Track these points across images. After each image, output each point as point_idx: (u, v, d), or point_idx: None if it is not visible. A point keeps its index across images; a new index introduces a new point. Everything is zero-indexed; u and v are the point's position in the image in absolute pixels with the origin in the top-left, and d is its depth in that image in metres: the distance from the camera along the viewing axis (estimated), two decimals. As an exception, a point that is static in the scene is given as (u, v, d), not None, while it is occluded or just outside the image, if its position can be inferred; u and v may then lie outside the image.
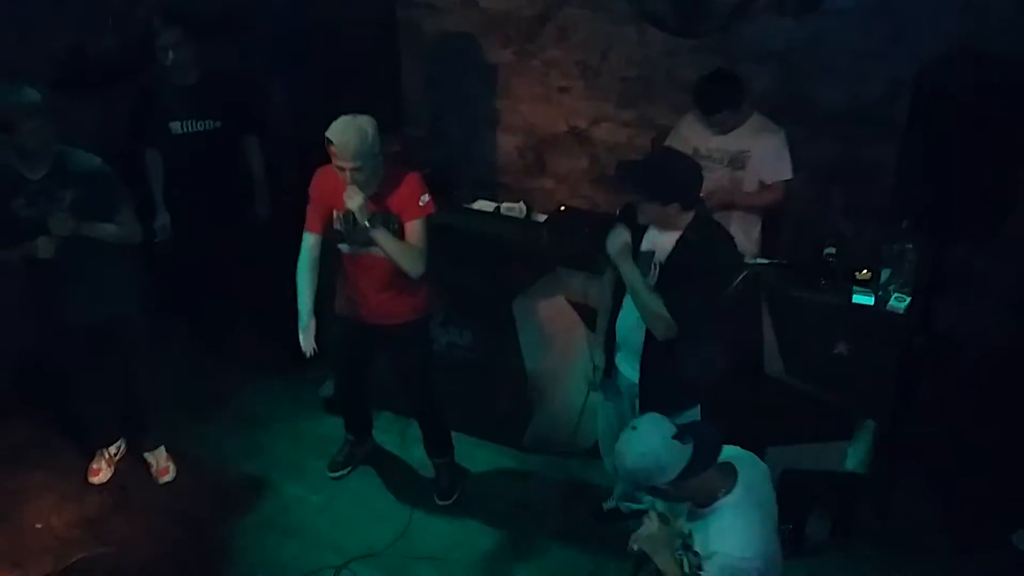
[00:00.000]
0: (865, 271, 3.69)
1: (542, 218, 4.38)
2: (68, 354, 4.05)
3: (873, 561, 3.79)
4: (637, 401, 3.44)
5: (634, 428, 2.51)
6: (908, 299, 3.58)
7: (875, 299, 3.61)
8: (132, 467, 4.36)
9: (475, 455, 4.41)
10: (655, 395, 3.34)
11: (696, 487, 2.51)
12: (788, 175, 4.09)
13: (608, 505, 4.06)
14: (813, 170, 4.53)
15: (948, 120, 3.36)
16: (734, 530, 2.46)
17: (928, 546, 3.85)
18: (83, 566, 3.57)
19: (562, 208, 4.52)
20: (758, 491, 2.57)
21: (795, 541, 3.91)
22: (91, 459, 4.33)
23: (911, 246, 3.61)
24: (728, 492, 2.51)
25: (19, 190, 3.58)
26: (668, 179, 3.17)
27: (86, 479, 4.28)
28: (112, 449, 4.37)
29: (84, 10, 4.84)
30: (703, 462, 2.47)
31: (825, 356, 3.70)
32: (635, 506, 3.94)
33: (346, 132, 3.34)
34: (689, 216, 3.21)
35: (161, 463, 4.32)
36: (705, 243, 3.20)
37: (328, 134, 3.36)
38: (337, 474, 4.31)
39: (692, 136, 4.18)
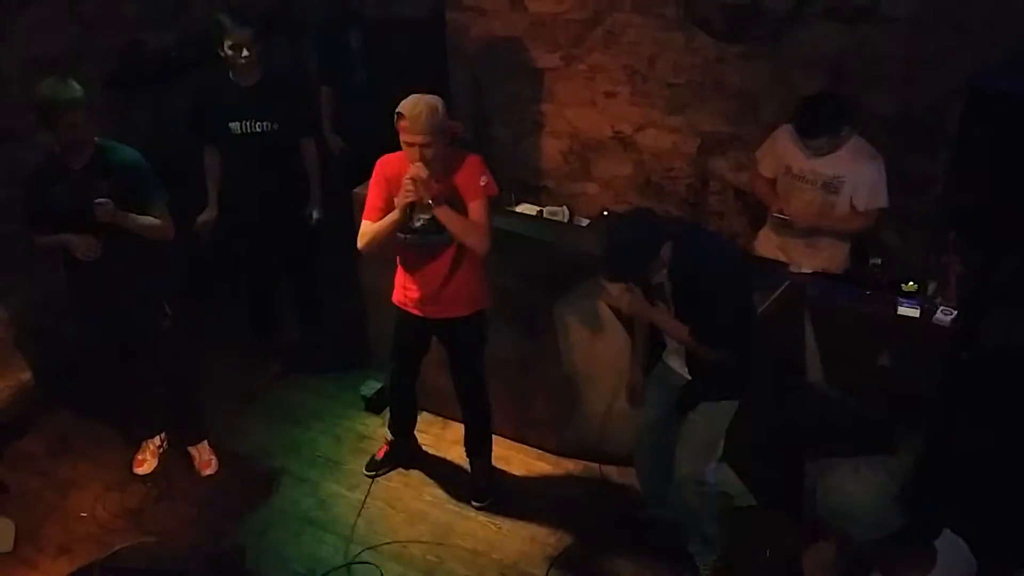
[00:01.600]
0: (911, 282, 3.63)
1: (585, 222, 4.38)
2: (107, 355, 4.16)
3: None
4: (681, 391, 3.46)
5: (856, 470, 2.28)
6: (954, 312, 3.52)
7: (920, 311, 3.56)
8: (176, 459, 4.45)
9: (511, 458, 4.42)
10: (698, 389, 3.38)
11: (890, 556, 2.31)
12: (884, 203, 3.98)
13: (643, 516, 4.01)
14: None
15: (999, 130, 3.29)
16: None
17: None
18: (126, 554, 3.63)
19: (605, 213, 4.52)
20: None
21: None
22: (136, 450, 4.42)
23: (959, 257, 3.54)
24: (919, 573, 2.29)
25: (60, 178, 3.68)
26: (635, 250, 3.06)
27: (131, 470, 4.37)
28: (157, 440, 4.46)
29: (145, 6, 4.95)
30: (911, 539, 2.26)
31: (868, 368, 3.64)
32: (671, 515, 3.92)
33: (418, 106, 3.34)
34: (668, 249, 3.08)
35: (204, 456, 4.40)
36: (699, 261, 3.11)
37: (400, 108, 3.36)
38: (375, 473, 4.34)
39: (786, 153, 4.10)
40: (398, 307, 3.88)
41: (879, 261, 3.75)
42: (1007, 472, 3.75)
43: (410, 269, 3.73)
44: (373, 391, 4.69)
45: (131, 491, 4.27)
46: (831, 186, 3.99)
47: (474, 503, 4.17)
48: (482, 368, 4.00)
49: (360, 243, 3.62)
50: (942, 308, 3.54)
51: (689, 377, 3.43)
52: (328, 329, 5.09)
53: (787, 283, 3.75)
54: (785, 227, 4.15)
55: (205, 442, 4.43)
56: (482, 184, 3.53)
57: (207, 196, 4.58)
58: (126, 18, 4.87)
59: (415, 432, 4.47)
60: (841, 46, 4.50)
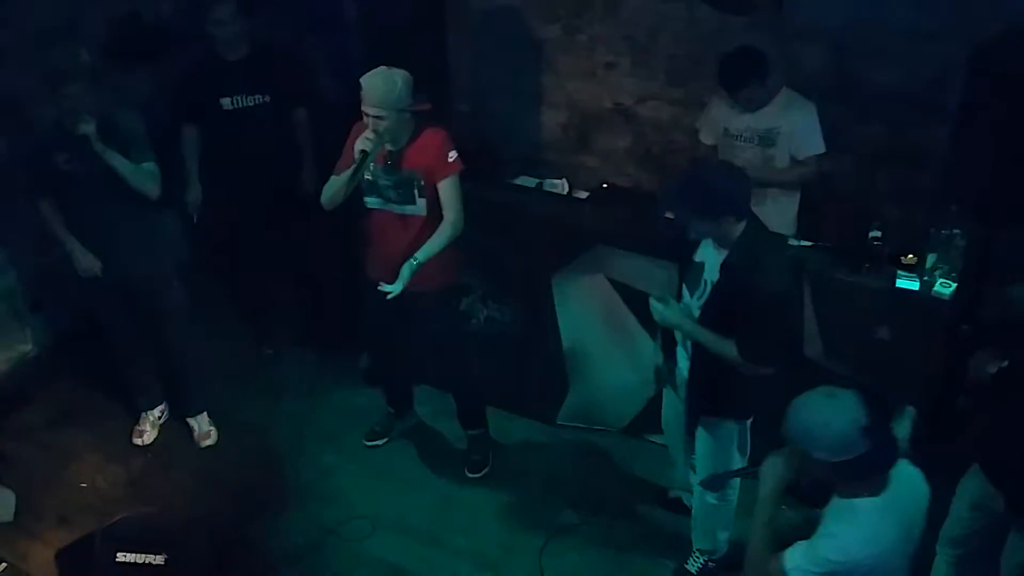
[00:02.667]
0: (911, 255, 3.62)
1: (584, 195, 4.37)
2: (106, 312, 4.15)
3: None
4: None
5: (830, 396, 2.37)
6: (954, 285, 3.51)
7: (920, 284, 3.55)
8: (176, 431, 4.46)
9: (509, 428, 4.42)
10: (696, 403, 3.30)
11: (847, 476, 2.39)
12: (820, 149, 4.02)
13: (671, 494, 4.00)
14: (861, 152, 4.46)
15: (1000, 103, 3.29)
16: (861, 527, 2.35)
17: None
18: (126, 524, 3.63)
19: (604, 185, 4.50)
20: (904, 506, 2.43)
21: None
22: (136, 421, 4.43)
23: (959, 231, 3.53)
24: (870, 496, 2.38)
25: (63, 146, 3.70)
26: (719, 193, 2.97)
27: (130, 441, 4.39)
28: (156, 412, 4.47)
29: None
30: (868, 466, 2.35)
31: (866, 341, 3.64)
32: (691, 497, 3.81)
33: (374, 78, 3.40)
34: (740, 227, 3.00)
35: (203, 428, 4.42)
36: (756, 265, 2.96)
37: (361, 79, 3.43)
38: (373, 443, 4.36)
39: (720, 116, 4.16)
40: (369, 281, 3.76)
41: (879, 234, 3.73)
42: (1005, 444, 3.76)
43: (379, 238, 3.73)
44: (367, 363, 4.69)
45: (131, 462, 4.29)
46: (767, 139, 4.05)
47: (469, 474, 4.18)
48: (460, 341, 4.00)
49: (323, 197, 3.65)
50: (941, 281, 3.53)
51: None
52: (325, 302, 5.08)
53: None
54: None
55: (204, 413, 4.45)
56: (450, 161, 3.55)
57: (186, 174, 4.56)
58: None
59: (414, 405, 4.48)
60: (843, 18, 4.45)
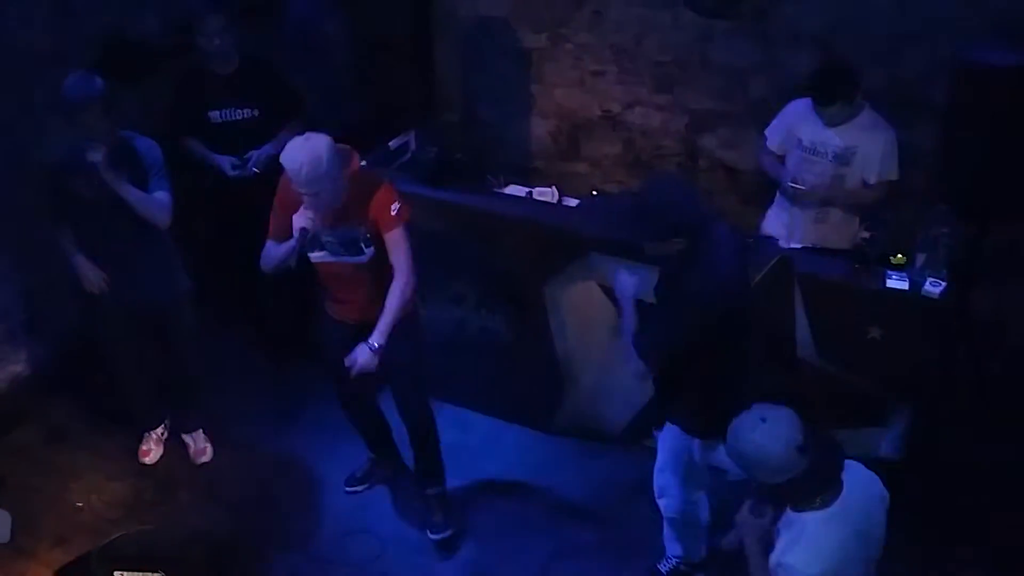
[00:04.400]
0: (900, 255, 3.64)
1: (574, 203, 4.38)
2: (112, 338, 4.14)
3: (906, 549, 3.75)
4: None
5: (763, 420, 2.38)
6: (943, 284, 3.53)
7: (909, 283, 3.57)
8: (173, 448, 4.45)
9: (502, 437, 4.43)
10: (660, 410, 3.36)
11: (793, 494, 2.42)
12: (895, 176, 3.98)
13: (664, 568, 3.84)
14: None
15: (987, 101, 3.30)
16: (808, 544, 2.37)
17: (964, 534, 3.80)
18: (123, 543, 3.63)
19: (595, 193, 4.51)
20: (857, 513, 2.45)
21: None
22: (140, 441, 4.41)
23: (947, 230, 3.55)
24: (823, 506, 2.41)
25: (81, 172, 3.66)
26: (665, 214, 2.92)
27: (127, 459, 4.37)
28: (159, 430, 4.46)
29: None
30: (813, 481, 2.38)
31: (858, 341, 3.66)
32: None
33: (297, 158, 3.18)
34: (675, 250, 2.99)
35: (199, 444, 4.41)
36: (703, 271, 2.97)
37: (281, 159, 3.24)
38: (352, 489, 4.20)
39: (798, 126, 4.08)
40: (328, 318, 3.72)
41: (867, 235, 3.74)
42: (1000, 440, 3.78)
43: (334, 286, 3.63)
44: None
45: (128, 481, 4.28)
46: (842, 158, 3.98)
47: (432, 536, 3.90)
48: (419, 374, 3.77)
49: (263, 264, 3.54)
50: (931, 280, 3.55)
51: None
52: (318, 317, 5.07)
53: (777, 257, 3.75)
54: (796, 200, 4.13)
55: (201, 431, 4.44)
56: (393, 213, 3.40)
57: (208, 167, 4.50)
58: (108, 5, 4.81)
59: (398, 454, 4.24)
60: (827, 21, 4.48)
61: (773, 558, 2.45)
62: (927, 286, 3.54)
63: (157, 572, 3.52)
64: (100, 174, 3.60)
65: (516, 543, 3.94)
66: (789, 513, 2.47)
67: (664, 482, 3.47)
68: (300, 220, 3.31)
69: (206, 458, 4.38)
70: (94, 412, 4.62)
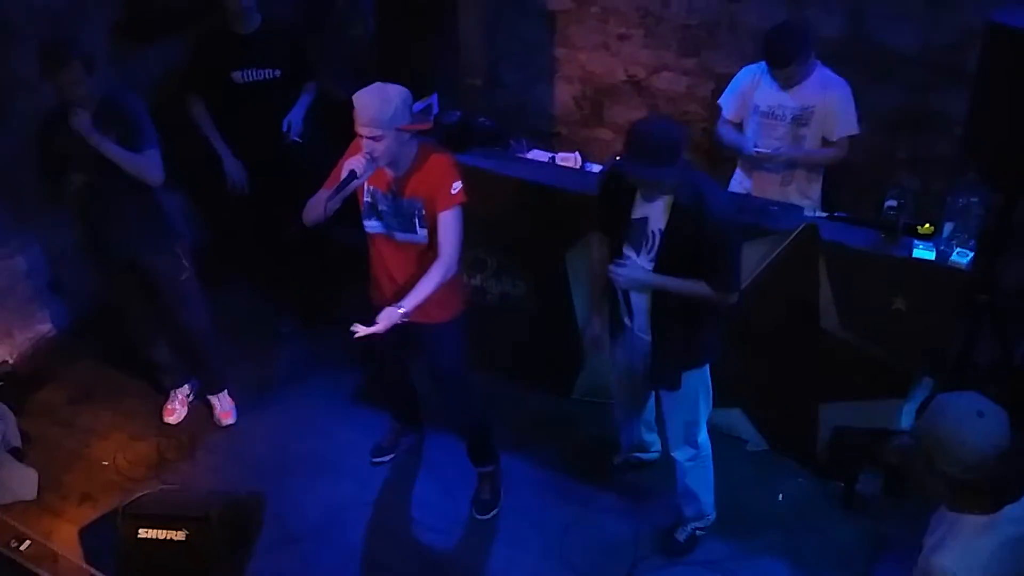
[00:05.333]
0: (927, 224, 3.57)
1: (597, 169, 4.33)
2: (120, 296, 4.17)
3: (926, 520, 3.73)
4: (648, 360, 3.41)
5: (980, 414, 2.16)
6: (971, 254, 3.47)
7: (936, 253, 3.51)
8: (197, 409, 4.51)
9: (526, 399, 4.44)
10: (667, 358, 3.33)
11: (958, 495, 2.25)
12: (855, 131, 3.97)
13: (618, 460, 4.08)
14: (879, 119, 4.40)
15: (1019, 69, 3.22)
16: (957, 545, 2.22)
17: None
18: (147, 501, 3.68)
19: (618, 158, 4.45)
20: (1013, 541, 2.23)
21: (847, 499, 3.89)
22: (166, 399, 4.47)
23: (977, 199, 3.49)
24: (980, 514, 2.23)
25: (67, 130, 3.65)
26: (653, 144, 2.98)
27: (151, 419, 4.43)
28: (185, 389, 4.51)
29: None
30: (988, 490, 2.21)
31: (883, 311, 3.61)
32: (646, 456, 4.02)
33: (364, 96, 3.11)
34: (677, 175, 3.05)
35: (223, 406, 4.45)
36: (702, 200, 3.04)
37: (353, 96, 3.14)
38: (379, 460, 4.20)
39: (753, 92, 4.07)
40: (374, 305, 3.51)
41: (895, 203, 3.68)
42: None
43: (380, 264, 3.50)
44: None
45: (152, 439, 4.34)
46: (801, 119, 3.98)
47: (477, 515, 3.95)
48: (465, 376, 3.71)
49: (304, 213, 3.31)
50: (958, 250, 3.49)
51: (647, 336, 3.36)
52: (342, 276, 5.08)
53: (803, 225, 3.70)
54: (760, 165, 4.12)
55: (225, 392, 4.48)
56: (453, 193, 3.27)
57: (213, 151, 4.52)
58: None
59: (422, 420, 4.29)
60: (859, -17, 4.39)
61: (923, 553, 2.31)
62: (954, 256, 3.48)
63: (181, 530, 3.57)
64: (85, 137, 3.57)
65: (539, 505, 3.97)
66: (944, 510, 2.32)
67: (703, 438, 3.53)
68: (351, 162, 3.17)
69: (230, 420, 4.43)
70: (118, 372, 4.69)
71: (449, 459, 4.12)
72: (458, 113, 4.50)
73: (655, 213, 3.14)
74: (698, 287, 3.12)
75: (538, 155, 4.42)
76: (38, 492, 4.05)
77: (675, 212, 3.09)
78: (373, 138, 3.12)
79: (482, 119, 4.56)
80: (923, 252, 3.53)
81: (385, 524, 3.94)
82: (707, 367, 3.40)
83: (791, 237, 3.69)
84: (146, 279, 4.06)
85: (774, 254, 3.70)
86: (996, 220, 3.49)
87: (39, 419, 4.44)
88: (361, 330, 3.19)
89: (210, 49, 4.45)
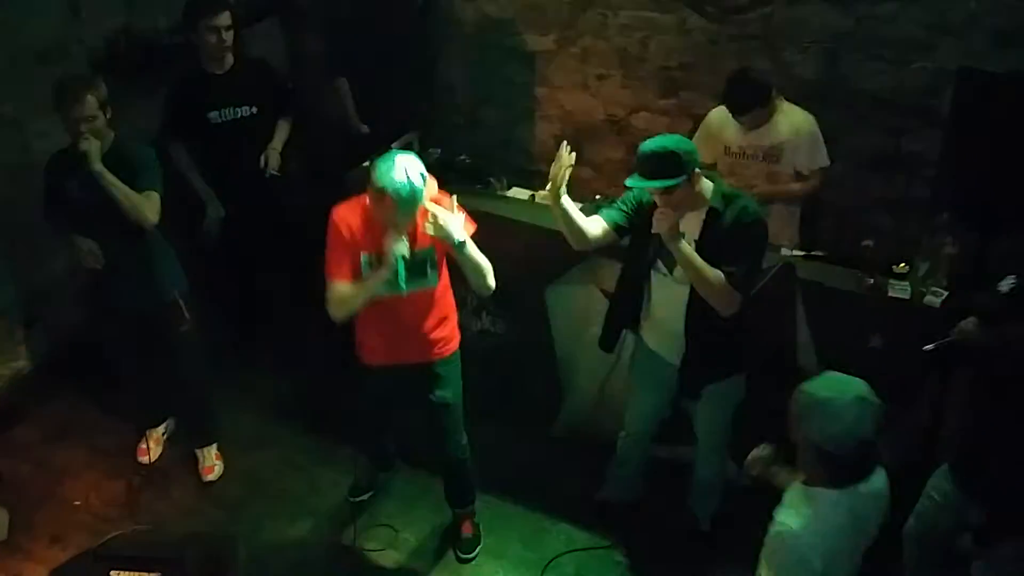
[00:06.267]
0: (902, 264, 3.62)
1: (578, 207, 4.35)
2: (113, 341, 4.11)
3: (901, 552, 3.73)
4: (675, 381, 3.46)
5: (861, 400, 2.39)
6: (945, 293, 3.51)
7: (911, 293, 3.55)
8: (172, 448, 4.45)
9: (503, 443, 4.38)
10: (701, 369, 3.37)
11: (812, 465, 2.45)
12: (825, 162, 4.03)
13: (599, 496, 4.07)
14: (854, 160, 4.46)
15: (990, 111, 3.28)
16: (807, 513, 2.42)
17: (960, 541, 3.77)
18: (120, 542, 3.62)
19: (597, 197, 4.49)
20: (859, 507, 2.48)
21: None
22: (140, 438, 4.40)
23: (950, 239, 3.53)
24: (830, 487, 2.44)
25: (74, 174, 3.64)
26: (674, 155, 3.05)
27: (125, 458, 4.36)
28: (160, 429, 4.44)
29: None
30: (844, 468, 2.41)
31: (859, 349, 3.63)
32: (628, 497, 4.01)
33: (405, 177, 3.03)
34: (709, 186, 3.17)
35: (208, 461, 4.33)
36: (733, 205, 3.16)
37: (381, 182, 3.03)
38: (358, 499, 4.14)
39: (723, 133, 4.13)
40: (365, 368, 3.57)
41: (871, 243, 3.73)
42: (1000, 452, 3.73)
43: (377, 316, 3.41)
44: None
45: (125, 479, 4.27)
46: (771, 155, 4.04)
47: (460, 555, 3.90)
48: (462, 409, 3.70)
49: (336, 311, 3.25)
50: (933, 290, 3.53)
51: (675, 361, 3.40)
52: (319, 316, 5.06)
53: (780, 264, 3.74)
54: None
55: (214, 446, 4.38)
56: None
57: (193, 195, 4.52)
58: (116, 2, 4.82)
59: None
60: (834, 27, 4.47)
61: (773, 527, 2.47)
62: (928, 296, 3.52)
63: (154, 572, 3.51)
64: (89, 165, 3.54)
65: (518, 544, 3.95)
66: (799, 482, 2.50)
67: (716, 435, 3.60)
68: (397, 247, 3.13)
69: (212, 476, 4.30)
70: (94, 410, 4.63)
71: (428, 499, 4.09)
72: (439, 151, 4.53)
73: (688, 228, 3.19)
74: (714, 275, 3.12)
75: (518, 193, 4.45)
76: (8, 532, 3.98)
77: (709, 220, 3.17)
78: (409, 216, 3.14)
79: (462, 157, 4.60)
80: (898, 291, 3.57)
81: (364, 566, 3.89)
82: (742, 380, 3.44)
83: (768, 276, 3.71)
84: (145, 329, 4.00)
85: (752, 293, 3.72)
86: (970, 260, 3.53)
87: (12, 457, 4.37)
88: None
89: (186, 90, 4.45)
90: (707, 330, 3.29)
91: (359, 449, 4.15)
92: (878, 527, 2.59)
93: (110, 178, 3.60)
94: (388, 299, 3.28)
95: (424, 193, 3.12)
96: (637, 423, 3.77)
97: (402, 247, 3.15)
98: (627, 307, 3.51)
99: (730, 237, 3.14)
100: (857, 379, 2.46)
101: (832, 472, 2.42)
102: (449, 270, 3.49)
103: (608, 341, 3.64)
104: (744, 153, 4.07)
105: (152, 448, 4.38)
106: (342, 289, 3.25)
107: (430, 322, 3.43)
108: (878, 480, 2.56)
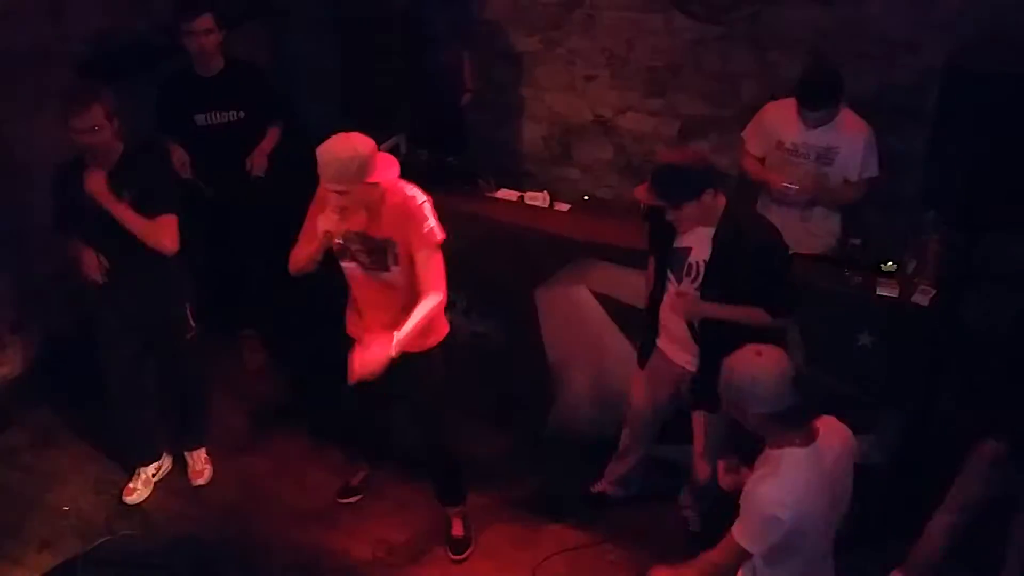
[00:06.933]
0: (890, 263, 3.64)
1: (565, 208, 4.37)
2: (112, 352, 3.98)
3: (897, 554, 3.75)
4: (684, 386, 3.49)
5: (758, 354, 2.53)
6: (933, 291, 3.53)
7: (899, 291, 3.56)
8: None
9: (497, 443, 4.41)
10: (712, 382, 3.35)
11: (777, 426, 2.55)
12: (875, 172, 4.02)
13: (596, 488, 4.07)
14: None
15: (977, 109, 3.30)
16: (782, 478, 2.50)
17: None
18: (109, 548, 3.62)
19: (586, 198, 4.51)
20: (830, 458, 2.59)
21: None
22: (129, 477, 4.23)
23: (937, 237, 3.55)
24: (800, 445, 2.54)
25: (82, 184, 3.55)
26: (686, 174, 3.10)
27: (114, 464, 4.32)
28: (151, 469, 4.27)
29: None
30: (797, 416, 2.53)
31: (848, 348, 3.65)
32: (624, 492, 4.03)
33: (330, 151, 3.05)
34: (721, 205, 3.17)
35: (198, 465, 4.29)
36: (743, 231, 3.16)
37: (317, 151, 3.08)
38: (346, 500, 4.14)
39: (778, 128, 4.10)
40: (350, 338, 3.53)
41: (859, 241, 3.75)
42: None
43: (359, 299, 3.50)
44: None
45: (115, 484, 4.24)
46: (825, 158, 4.01)
47: (452, 556, 3.89)
48: (442, 407, 3.68)
49: (290, 264, 3.39)
50: (921, 288, 3.55)
51: (693, 369, 3.42)
52: (308, 319, 5.05)
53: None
54: (784, 200, 4.14)
55: (203, 450, 4.34)
56: (425, 231, 3.24)
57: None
58: (97, 6, 4.79)
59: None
60: (820, 26, 4.49)
61: (747, 486, 2.58)
62: (917, 294, 3.54)
63: (143, 578, 3.51)
64: (99, 203, 3.49)
65: (510, 544, 3.94)
66: (766, 451, 2.60)
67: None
68: (324, 222, 3.18)
69: (203, 481, 4.27)
70: (81, 415, 4.59)
71: (419, 499, 4.08)
72: (426, 152, 4.53)
73: (699, 244, 3.22)
74: (755, 313, 3.19)
75: (506, 194, 4.45)
76: (-4, 539, 3.96)
77: (717, 245, 3.18)
78: (339, 192, 3.09)
79: (451, 158, 4.59)
80: (886, 290, 3.58)
81: (356, 568, 3.87)
82: None
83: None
84: (150, 338, 3.95)
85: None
86: (957, 258, 3.55)
87: (-1, 463, 4.35)
88: (356, 374, 3.12)
89: (172, 92, 4.43)
90: (721, 342, 3.23)
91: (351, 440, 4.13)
92: (851, 480, 2.68)
93: (122, 213, 3.53)
94: (360, 279, 3.40)
95: (352, 168, 3.05)
96: (640, 420, 3.78)
97: (327, 223, 3.16)
98: (655, 318, 3.52)
99: (747, 272, 3.15)
100: (747, 346, 2.58)
101: (788, 423, 2.52)
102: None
103: (644, 355, 3.63)
104: (798, 151, 4.04)
105: (140, 490, 4.20)
106: (297, 247, 3.39)
107: (395, 313, 3.34)
108: (844, 434, 2.67)
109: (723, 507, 3.78)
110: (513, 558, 3.88)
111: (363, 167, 3.08)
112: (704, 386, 3.36)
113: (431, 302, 3.26)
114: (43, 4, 4.44)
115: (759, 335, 3.19)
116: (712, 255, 3.20)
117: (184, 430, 4.35)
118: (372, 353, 3.11)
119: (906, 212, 4.07)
